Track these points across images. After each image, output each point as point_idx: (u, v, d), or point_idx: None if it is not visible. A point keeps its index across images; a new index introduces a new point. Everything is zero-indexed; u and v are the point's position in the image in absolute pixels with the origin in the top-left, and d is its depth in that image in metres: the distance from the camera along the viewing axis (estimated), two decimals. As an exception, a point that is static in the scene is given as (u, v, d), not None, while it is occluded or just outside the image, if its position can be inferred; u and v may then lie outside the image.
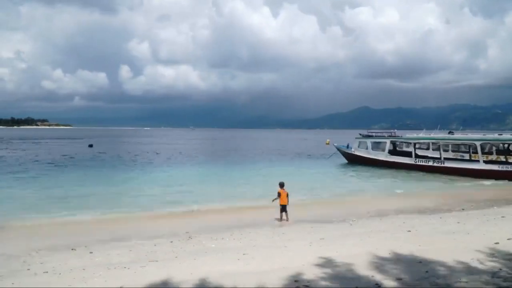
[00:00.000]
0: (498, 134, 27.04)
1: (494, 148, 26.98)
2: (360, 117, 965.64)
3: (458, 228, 10.19)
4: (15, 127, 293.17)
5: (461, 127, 40.02)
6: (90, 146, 64.77)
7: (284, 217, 12.56)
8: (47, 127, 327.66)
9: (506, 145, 26.48)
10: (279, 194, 12.52)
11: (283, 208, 12.54)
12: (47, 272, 7.21)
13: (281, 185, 12.76)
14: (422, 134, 29.66)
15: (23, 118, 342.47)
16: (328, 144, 72.94)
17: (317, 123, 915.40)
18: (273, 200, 12.78)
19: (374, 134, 33.01)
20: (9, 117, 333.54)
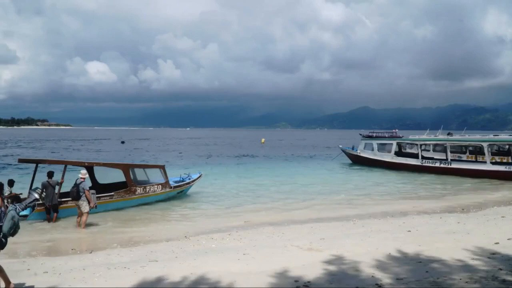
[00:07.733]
0: (494, 135, 26.83)
1: (490, 149, 26.80)
2: (360, 117, 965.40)
3: (458, 228, 10.19)
4: (15, 127, 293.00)
5: (465, 128, 39.76)
6: (123, 142, 67.48)
7: None
8: (47, 127, 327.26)
9: (509, 146, 26.23)
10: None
11: None
12: (47, 272, 7.20)
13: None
14: (425, 135, 29.51)
15: (23, 118, 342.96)
16: (263, 142, 76.05)
17: (317, 123, 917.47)
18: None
19: (374, 134, 32.94)
20: (9, 117, 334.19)
